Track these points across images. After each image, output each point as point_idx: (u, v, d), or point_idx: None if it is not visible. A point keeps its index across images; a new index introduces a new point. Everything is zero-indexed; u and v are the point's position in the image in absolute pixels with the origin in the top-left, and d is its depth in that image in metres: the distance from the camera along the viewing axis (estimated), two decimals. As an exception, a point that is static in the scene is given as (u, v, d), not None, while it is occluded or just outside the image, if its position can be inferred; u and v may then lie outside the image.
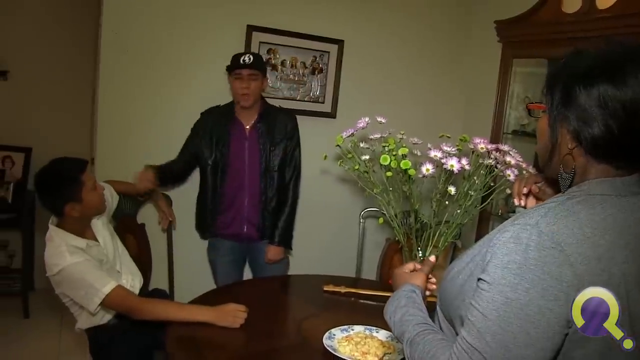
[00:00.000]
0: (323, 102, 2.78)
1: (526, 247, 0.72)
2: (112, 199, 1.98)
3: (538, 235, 0.72)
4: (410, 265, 1.08)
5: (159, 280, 2.36)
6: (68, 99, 3.39)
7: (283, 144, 2.23)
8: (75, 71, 3.35)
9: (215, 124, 2.22)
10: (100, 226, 1.83)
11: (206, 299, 1.64)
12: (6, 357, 2.55)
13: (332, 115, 2.79)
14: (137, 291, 1.86)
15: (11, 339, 2.69)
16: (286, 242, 2.28)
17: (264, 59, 2.58)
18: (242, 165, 2.20)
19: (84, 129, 3.33)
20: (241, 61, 2.12)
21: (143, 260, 2.23)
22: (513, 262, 0.72)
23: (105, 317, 1.75)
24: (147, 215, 2.40)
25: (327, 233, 2.76)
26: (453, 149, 1.48)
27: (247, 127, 2.22)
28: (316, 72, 2.75)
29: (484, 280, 0.75)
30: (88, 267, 1.58)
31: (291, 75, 2.68)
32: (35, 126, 3.31)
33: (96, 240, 1.77)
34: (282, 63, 2.65)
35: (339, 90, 2.80)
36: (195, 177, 2.57)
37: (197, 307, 1.58)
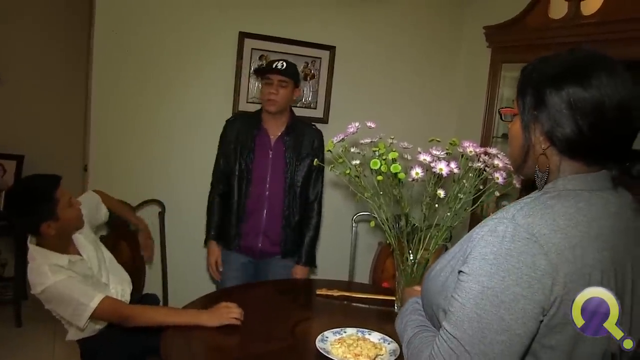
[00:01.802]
0: (315, 108, 2.81)
1: (502, 239, 0.76)
2: (97, 210, 1.94)
3: (514, 228, 0.76)
4: (418, 287, 1.15)
5: (152, 286, 2.36)
6: (61, 107, 3.39)
7: (308, 159, 2.14)
8: (68, 78, 3.35)
9: (240, 131, 2.15)
10: (83, 239, 1.79)
11: (199, 304, 1.65)
12: (-1, 366, 2.53)
13: (324, 120, 2.82)
14: (128, 298, 1.85)
15: (4, 348, 2.67)
16: (312, 261, 2.25)
17: (258, 66, 2.61)
18: (264, 176, 2.13)
19: (76, 136, 3.32)
20: (273, 66, 2.07)
21: (136, 267, 2.22)
22: (490, 253, 0.76)
23: (96, 328, 1.73)
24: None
25: (319, 237, 2.77)
26: (442, 153, 1.51)
27: (273, 137, 2.15)
28: (308, 78, 2.78)
29: (464, 272, 0.79)
30: (72, 283, 1.55)
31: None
32: (28, 134, 3.31)
33: (79, 254, 1.74)
34: (274, 69, 2.66)
35: (330, 96, 2.83)
36: (189, 182, 2.58)
37: (187, 311, 1.57)
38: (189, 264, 2.62)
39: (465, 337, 0.75)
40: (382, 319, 1.70)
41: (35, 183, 1.64)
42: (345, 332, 1.46)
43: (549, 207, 0.78)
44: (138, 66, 2.45)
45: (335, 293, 1.83)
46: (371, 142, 1.60)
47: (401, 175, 1.48)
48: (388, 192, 1.57)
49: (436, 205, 1.56)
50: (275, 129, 2.15)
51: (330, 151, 1.61)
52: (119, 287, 1.84)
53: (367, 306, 1.80)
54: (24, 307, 2.96)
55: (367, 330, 1.49)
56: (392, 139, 1.60)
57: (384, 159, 1.49)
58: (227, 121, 2.23)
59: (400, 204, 1.59)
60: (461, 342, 0.75)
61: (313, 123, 2.31)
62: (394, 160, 1.49)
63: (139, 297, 2.06)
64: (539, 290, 0.74)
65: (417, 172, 1.46)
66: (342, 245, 2.65)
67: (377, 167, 1.49)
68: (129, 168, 2.48)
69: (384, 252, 2.28)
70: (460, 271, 0.80)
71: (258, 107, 2.52)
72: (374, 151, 1.55)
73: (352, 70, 2.86)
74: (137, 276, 2.16)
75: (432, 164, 1.47)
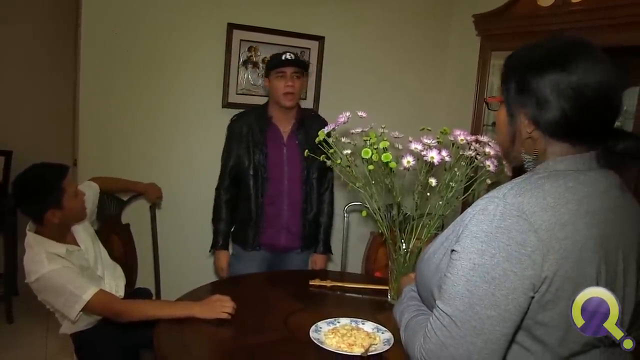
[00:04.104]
0: (305, 99, 2.79)
1: (493, 217, 0.78)
2: (92, 204, 1.95)
3: (504, 206, 0.78)
4: (413, 275, 1.15)
5: (145, 280, 2.35)
6: (49, 102, 3.35)
7: (320, 151, 2.17)
8: (56, 73, 3.31)
9: (250, 129, 2.09)
10: (81, 230, 1.79)
11: (193, 296, 1.64)
12: (-9, 363, 2.52)
13: (314, 111, 2.79)
14: (122, 294, 1.85)
15: (-5, 345, 2.67)
16: (329, 248, 2.28)
17: (247, 57, 2.58)
18: (281, 173, 2.10)
19: (65, 131, 3.29)
20: (283, 58, 2.01)
21: (128, 261, 2.22)
22: (481, 231, 0.78)
23: (89, 322, 1.73)
24: (131, 215, 2.39)
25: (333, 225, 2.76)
26: (433, 142, 1.51)
27: (285, 132, 2.11)
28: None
29: (456, 251, 0.81)
30: (67, 273, 1.55)
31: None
32: (16, 129, 3.28)
33: (77, 244, 1.74)
34: (263, 60, 2.64)
35: (320, 87, 2.81)
36: (180, 174, 2.56)
37: (180, 303, 1.57)
38: (182, 256, 2.61)
39: (457, 313, 0.77)
40: (375, 308, 1.71)
41: (44, 171, 1.65)
42: (338, 322, 1.47)
43: (539, 186, 0.80)
44: (125, 60, 2.41)
45: (328, 283, 1.84)
46: (362, 131, 1.60)
47: (392, 164, 1.48)
48: (379, 181, 1.57)
49: (428, 194, 1.57)
50: (285, 123, 2.12)
51: (324, 141, 1.60)
52: (113, 282, 1.84)
53: (360, 296, 1.81)
54: (15, 303, 2.94)
55: (360, 320, 1.49)
56: (383, 128, 1.60)
57: (375, 148, 1.49)
58: (232, 119, 2.16)
59: (392, 193, 1.59)
60: (453, 319, 0.77)
61: (314, 111, 2.27)
62: (385, 150, 1.49)
63: (131, 291, 2.06)
64: (528, 266, 0.75)
65: (408, 160, 1.47)
66: (334, 235, 2.64)
67: (368, 157, 1.49)
68: (119, 161, 2.45)
69: (376, 241, 2.29)
70: (452, 250, 0.82)
71: (249, 98, 2.51)
72: (365, 140, 1.55)
73: (342, 60, 2.84)
74: (129, 270, 2.15)
75: (424, 153, 1.48)
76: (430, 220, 1.62)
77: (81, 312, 1.57)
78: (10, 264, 3.01)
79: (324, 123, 2.16)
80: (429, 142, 1.50)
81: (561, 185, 0.80)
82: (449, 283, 0.79)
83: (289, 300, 1.69)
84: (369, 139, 1.54)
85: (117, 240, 2.23)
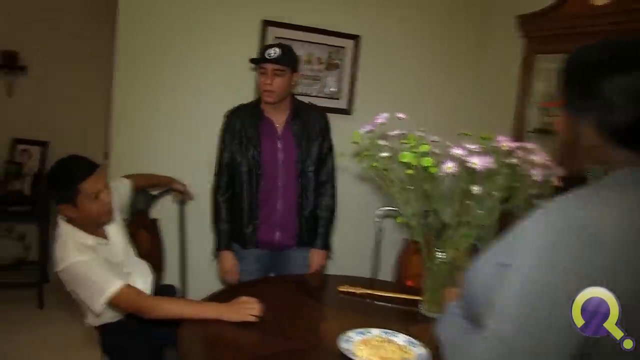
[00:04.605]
0: (338, 99, 2.73)
1: (552, 231, 0.71)
2: (127, 199, 1.94)
3: (564, 220, 0.72)
4: (456, 289, 1.11)
5: (171, 277, 2.34)
6: (85, 94, 3.42)
7: (318, 142, 2.07)
8: (93, 66, 3.36)
9: (243, 125, 2.04)
10: (114, 226, 1.77)
11: (219, 298, 1.61)
12: (21, 347, 2.57)
13: (347, 111, 2.74)
14: (148, 291, 1.83)
15: (26, 329, 2.74)
16: (328, 245, 2.17)
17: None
18: (275, 167, 2.04)
19: (99, 122, 3.32)
20: (266, 55, 1.94)
21: (155, 257, 2.20)
22: (539, 245, 0.72)
23: (115, 316, 1.71)
24: (160, 210, 2.37)
25: (342, 232, 2.70)
26: (476, 147, 1.43)
27: (278, 125, 2.06)
28: (332, 68, 2.70)
29: (508, 265, 0.74)
30: (94, 266, 1.52)
31: (306, 71, 2.63)
32: (53, 120, 3.36)
33: (106, 238, 1.73)
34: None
35: (354, 87, 2.75)
36: (209, 171, 2.55)
37: (207, 304, 1.54)
38: (209, 254, 2.59)
39: (509, 334, 0.70)
40: (407, 319, 1.64)
41: (69, 165, 1.60)
42: (369, 333, 1.40)
43: (603, 198, 0.73)
44: (160, 55, 2.41)
45: (358, 290, 1.77)
46: (400, 134, 1.53)
47: (433, 169, 1.40)
48: (417, 186, 1.50)
49: (468, 202, 1.48)
50: (279, 117, 2.05)
51: (357, 143, 1.54)
52: (140, 278, 1.82)
53: (390, 305, 1.73)
54: (46, 290, 3.03)
55: (392, 331, 1.42)
56: (422, 131, 1.53)
57: (414, 152, 1.42)
58: (227, 114, 2.09)
59: (430, 200, 1.51)
60: (504, 340, 0.70)
61: (311, 102, 2.22)
62: (425, 154, 1.42)
63: (156, 288, 2.04)
64: (589, 285, 0.68)
65: (449, 166, 1.39)
66: (364, 240, 2.58)
67: (407, 161, 1.41)
68: (150, 155, 2.46)
69: (409, 249, 2.21)
70: (505, 264, 0.75)
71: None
72: (404, 144, 1.48)
73: (377, 60, 2.77)
74: (155, 267, 2.10)
75: (466, 158, 1.39)
76: (468, 230, 1.53)
77: (105, 306, 1.56)
78: (43, 252, 3.08)
79: (321, 114, 2.11)
80: (471, 147, 1.42)
81: (626, 198, 0.73)
82: (501, 300, 0.73)
83: (317, 306, 1.64)
84: (407, 142, 1.46)
85: (145, 235, 2.22)
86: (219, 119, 2.58)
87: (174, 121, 2.49)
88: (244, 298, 1.51)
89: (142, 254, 1.99)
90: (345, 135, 1.69)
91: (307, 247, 2.14)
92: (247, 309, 1.46)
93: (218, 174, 2.12)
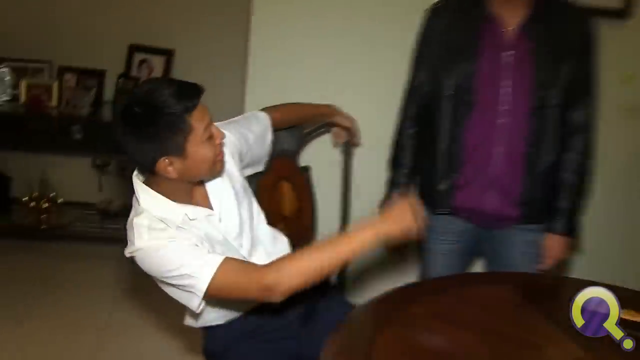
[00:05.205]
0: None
1: None
2: (261, 143, 1.45)
3: None
4: None
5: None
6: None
7: (572, 61, 1.51)
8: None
9: (451, 27, 1.55)
10: (220, 184, 1.29)
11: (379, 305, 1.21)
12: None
13: (622, 14, 1.89)
14: None
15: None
16: (574, 228, 1.62)
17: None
18: (495, 95, 1.51)
19: (236, 31, 2.78)
20: None
21: (302, 220, 1.70)
22: None
23: (223, 315, 1.32)
24: (313, 154, 1.84)
25: (599, 207, 2.01)
26: None
27: (510, 29, 1.51)
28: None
29: None
30: (176, 252, 1.12)
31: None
32: (179, 25, 2.95)
33: (207, 206, 1.24)
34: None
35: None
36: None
37: (353, 233, 1.17)
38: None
39: None
40: None
41: (157, 96, 1.07)
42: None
43: None
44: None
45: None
46: None
47: None
48: None
49: None
50: (511, 15, 1.51)
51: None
52: (263, 260, 1.33)
53: None
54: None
55: None
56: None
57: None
58: (428, 11, 1.60)
59: None
60: None
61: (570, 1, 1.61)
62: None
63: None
64: None
65: None
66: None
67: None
68: (296, 73, 1.96)
69: None
70: None
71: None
72: None
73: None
74: (302, 236, 1.65)
75: None
76: None
77: (203, 302, 1.15)
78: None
79: (582, 16, 1.55)
80: None
81: None
82: None
83: (560, 336, 1.03)
84: None
85: (288, 191, 1.70)
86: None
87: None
88: (395, 206, 1.20)
89: (281, 218, 1.58)
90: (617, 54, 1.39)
91: (537, 225, 1.61)
92: (402, 218, 1.18)
93: (406, 102, 1.67)
